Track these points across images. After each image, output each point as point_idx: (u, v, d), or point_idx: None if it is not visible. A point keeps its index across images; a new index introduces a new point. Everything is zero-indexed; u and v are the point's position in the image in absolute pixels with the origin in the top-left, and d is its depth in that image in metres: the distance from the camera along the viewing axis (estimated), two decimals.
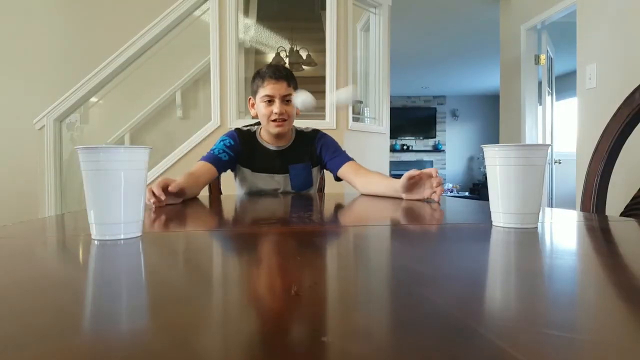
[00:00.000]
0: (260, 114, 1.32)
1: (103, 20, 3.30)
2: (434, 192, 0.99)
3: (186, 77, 3.35)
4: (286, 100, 1.29)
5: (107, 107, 3.37)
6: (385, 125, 3.19)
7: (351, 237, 0.60)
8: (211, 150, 1.34)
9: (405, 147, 8.63)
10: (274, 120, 1.30)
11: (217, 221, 0.84)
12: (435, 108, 8.72)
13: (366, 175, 1.29)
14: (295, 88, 1.33)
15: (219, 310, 0.30)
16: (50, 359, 0.21)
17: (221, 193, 1.60)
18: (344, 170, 1.35)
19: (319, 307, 0.30)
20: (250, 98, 1.37)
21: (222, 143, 1.34)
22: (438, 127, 8.73)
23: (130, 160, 0.53)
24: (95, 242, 0.52)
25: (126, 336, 0.24)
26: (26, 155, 3.02)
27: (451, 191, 8.23)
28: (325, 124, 2.66)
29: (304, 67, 4.03)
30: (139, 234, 0.55)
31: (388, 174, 3.33)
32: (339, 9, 2.65)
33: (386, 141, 3.28)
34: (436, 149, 8.72)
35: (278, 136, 1.35)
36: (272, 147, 1.37)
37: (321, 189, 1.60)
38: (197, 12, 2.78)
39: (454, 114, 8.77)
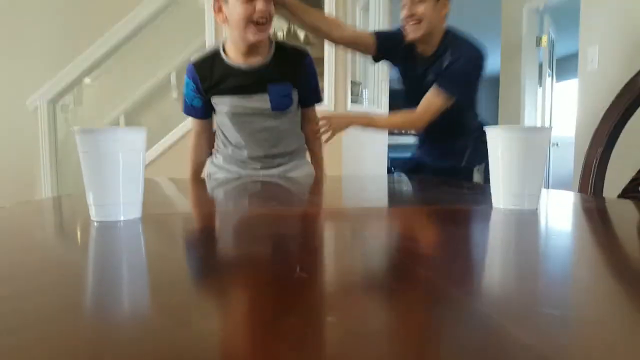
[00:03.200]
0: (235, 16, 1.06)
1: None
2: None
3: (181, 57, 3.29)
4: None
5: (101, 88, 3.32)
6: (384, 107, 3.16)
7: (352, 219, 0.60)
8: (185, 97, 1.25)
9: (403, 130, 8.59)
10: (256, 23, 1.06)
11: (217, 202, 0.84)
12: None
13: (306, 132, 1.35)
14: None
15: (220, 290, 0.30)
16: (52, 340, 0.21)
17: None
18: (306, 112, 1.32)
19: (323, 288, 0.30)
20: (216, 1, 1.10)
21: (189, 89, 1.22)
22: None
23: (128, 141, 0.52)
24: (95, 223, 0.51)
25: (128, 317, 0.24)
26: (20, 136, 2.99)
27: None
28: (323, 106, 2.63)
29: None
30: (138, 216, 0.54)
31: (386, 156, 3.32)
32: None
33: None
34: None
35: (253, 48, 1.12)
36: (243, 67, 1.16)
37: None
38: None
39: None
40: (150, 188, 0.94)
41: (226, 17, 1.09)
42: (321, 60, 2.70)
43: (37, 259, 0.37)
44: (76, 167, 0.56)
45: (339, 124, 1.31)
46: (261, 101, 1.19)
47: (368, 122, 1.45)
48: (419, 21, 1.21)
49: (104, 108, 3.33)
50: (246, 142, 1.26)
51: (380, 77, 3.16)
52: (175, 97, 3.34)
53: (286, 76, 1.20)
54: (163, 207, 0.73)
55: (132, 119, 3.31)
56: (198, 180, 1.30)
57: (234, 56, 1.17)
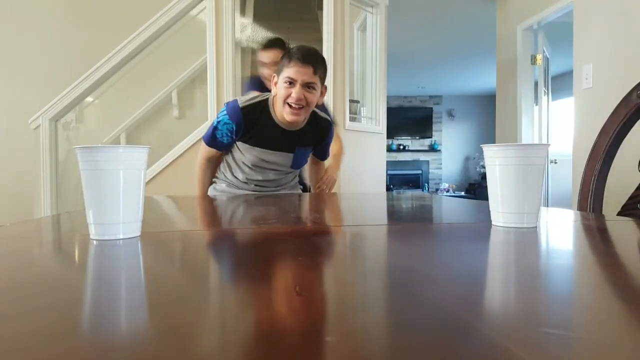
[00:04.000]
0: (279, 94, 1.23)
1: (99, 20, 3.28)
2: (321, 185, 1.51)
3: (182, 76, 3.33)
4: (308, 87, 1.20)
5: (103, 106, 3.35)
6: (382, 125, 3.19)
7: (351, 237, 0.60)
8: (215, 130, 1.30)
9: (401, 147, 8.64)
10: (290, 106, 1.21)
11: (217, 221, 0.84)
12: (432, 108, 8.74)
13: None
14: (323, 78, 1.25)
15: (219, 310, 0.29)
16: None
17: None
18: (314, 159, 1.51)
19: (321, 307, 0.30)
20: (274, 76, 1.26)
21: (225, 127, 1.28)
22: (434, 127, 8.75)
23: (130, 160, 0.53)
24: (94, 242, 0.51)
25: (126, 337, 0.24)
26: (22, 155, 3.00)
27: (447, 191, 8.25)
28: None
29: None
30: (138, 234, 0.54)
31: (384, 173, 3.34)
32: (336, 9, 2.65)
33: (383, 141, 3.28)
34: (432, 148, 8.74)
35: (291, 123, 1.27)
36: (282, 126, 1.29)
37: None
38: (194, 12, 2.77)
39: (450, 114, 8.79)
40: (149, 206, 0.94)
41: (276, 86, 1.26)
42: None
43: (35, 278, 0.37)
44: (76, 185, 0.56)
45: (331, 183, 1.62)
46: (285, 158, 1.35)
47: (337, 169, 1.71)
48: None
49: (106, 126, 3.36)
50: (254, 178, 1.40)
51: (378, 95, 3.20)
52: (176, 116, 3.38)
53: (311, 140, 1.37)
54: (163, 225, 0.72)
55: (133, 136, 3.33)
56: (204, 199, 1.31)
57: (279, 114, 1.28)
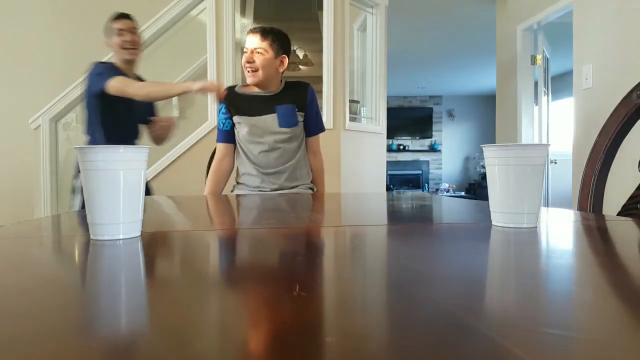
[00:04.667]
0: (242, 63, 1.48)
1: (99, 20, 3.28)
2: None
3: (183, 76, 3.33)
4: (257, 52, 1.43)
5: None
6: (382, 125, 3.19)
7: (351, 237, 0.60)
8: (219, 127, 1.55)
9: (401, 147, 8.64)
10: (248, 71, 1.45)
11: (217, 221, 0.84)
12: (432, 108, 8.74)
13: (312, 163, 1.60)
14: (278, 47, 1.46)
15: (219, 310, 0.29)
16: None
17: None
18: (311, 142, 1.59)
19: (322, 307, 0.30)
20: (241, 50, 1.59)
21: (220, 113, 1.54)
22: (434, 127, 8.75)
23: (130, 160, 0.53)
24: (94, 242, 0.51)
25: (126, 337, 0.24)
26: (22, 155, 3.00)
27: (447, 191, 8.25)
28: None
29: (300, 67, 4.02)
30: (138, 234, 0.54)
31: (384, 173, 3.34)
32: (336, 9, 2.65)
33: (383, 141, 3.28)
34: (432, 148, 8.74)
35: (257, 85, 1.48)
36: (257, 93, 1.51)
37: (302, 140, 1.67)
38: (194, 12, 2.77)
39: (450, 114, 8.79)
40: (149, 206, 0.94)
41: None
42: (320, 79, 2.74)
43: (35, 278, 0.37)
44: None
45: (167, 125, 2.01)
46: (271, 120, 1.49)
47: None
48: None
49: None
50: (264, 166, 1.51)
51: (378, 95, 3.20)
52: (176, 116, 3.37)
53: (291, 100, 1.51)
54: (163, 225, 0.72)
55: None
56: (213, 197, 1.35)
57: (251, 87, 1.53)
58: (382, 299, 0.32)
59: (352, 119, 2.91)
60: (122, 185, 0.52)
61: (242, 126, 1.50)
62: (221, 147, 1.55)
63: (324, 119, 2.69)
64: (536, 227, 0.60)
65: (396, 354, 0.22)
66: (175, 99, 3.34)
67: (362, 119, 3.27)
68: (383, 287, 0.36)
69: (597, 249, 0.52)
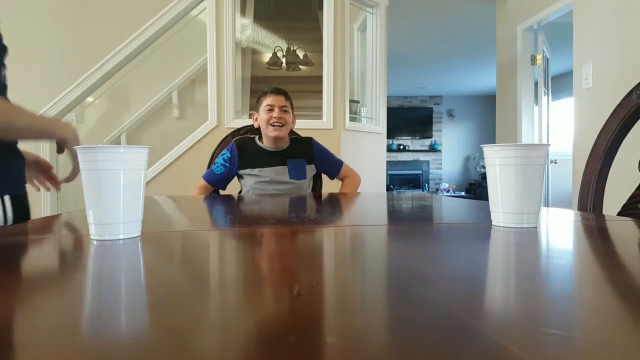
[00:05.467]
0: (262, 120, 1.58)
1: (99, 20, 3.28)
2: None
3: (183, 76, 3.33)
4: (283, 110, 1.57)
5: (103, 106, 3.35)
6: (382, 125, 3.19)
7: (351, 237, 0.60)
8: (213, 165, 1.61)
9: (401, 147, 8.64)
10: (273, 125, 1.55)
11: (217, 221, 0.84)
12: (432, 108, 8.74)
13: (345, 179, 1.73)
14: (292, 105, 1.63)
15: (219, 310, 0.29)
16: None
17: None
18: (340, 176, 1.71)
19: (322, 307, 0.30)
20: (254, 113, 1.64)
21: (221, 157, 1.61)
22: (434, 127, 8.75)
23: (130, 160, 0.53)
24: (94, 242, 0.51)
25: (126, 337, 0.24)
26: None
27: (447, 191, 8.25)
28: (322, 124, 2.66)
29: (300, 67, 4.02)
30: (138, 234, 0.54)
31: (384, 173, 3.34)
32: (336, 9, 2.65)
33: (383, 141, 3.28)
34: (432, 148, 8.74)
35: (276, 140, 1.58)
36: (270, 149, 1.61)
37: (318, 189, 1.76)
38: (194, 12, 2.77)
39: (450, 114, 8.79)
40: (150, 206, 0.94)
41: (257, 120, 1.63)
42: (320, 79, 2.74)
43: (35, 278, 0.37)
44: (77, 185, 0.56)
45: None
46: (281, 171, 1.60)
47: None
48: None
49: (106, 126, 3.36)
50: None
51: (378, 95, 3.19)
52: (176, 116, 3.38)
53: (300, 155, 1.64)
54: (163, 225, 0.72)
55: (133, 137, 3.33)
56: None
57: (265, 141, 1.63)
58: (382, 299, 0.32)
59: (352, 119, 2.91)
60: (122, 185, 0.52)
61: (250, 177, 1.59)
62: (204, 185, 1.63)
63: (324, 119, 2.69)
64: (536, 227, 0.60)
65: (396, 354, 0.22)
66: (175, 99, 3.34)
67: (362, 119, 3.27)
68: (383, 287, 0.36)
69: (597, 249, 0.52)
